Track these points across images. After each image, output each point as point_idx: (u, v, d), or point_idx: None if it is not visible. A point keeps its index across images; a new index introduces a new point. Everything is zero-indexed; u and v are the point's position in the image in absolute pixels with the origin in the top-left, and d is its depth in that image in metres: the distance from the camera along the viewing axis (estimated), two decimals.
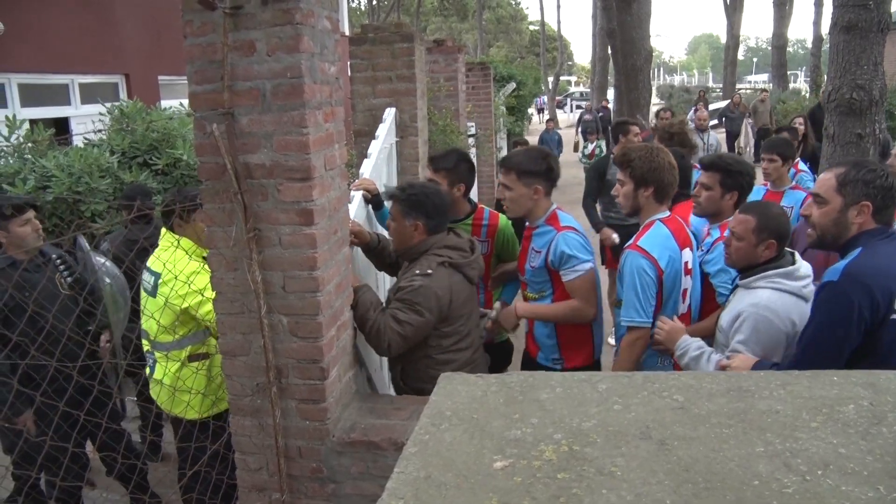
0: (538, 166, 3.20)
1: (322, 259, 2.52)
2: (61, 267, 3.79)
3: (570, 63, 64.30)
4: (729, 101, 20.30)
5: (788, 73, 27.32)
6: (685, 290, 3.11)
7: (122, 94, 10.51)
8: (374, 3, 40.63)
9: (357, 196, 3.54)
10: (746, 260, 2.77)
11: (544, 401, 1.46)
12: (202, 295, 3.17)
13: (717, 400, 1.45)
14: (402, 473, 1.21)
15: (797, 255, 2.78)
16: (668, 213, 3.11)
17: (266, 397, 2.61)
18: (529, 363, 3.45)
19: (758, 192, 4.20)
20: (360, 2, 42.63)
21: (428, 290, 2.90)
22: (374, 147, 4.31)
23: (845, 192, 2.40)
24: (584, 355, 3.30)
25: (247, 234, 2.45)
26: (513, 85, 14.65)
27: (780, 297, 2.65)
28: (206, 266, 3.21)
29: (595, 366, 3.35)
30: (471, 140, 8.75)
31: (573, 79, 63.47)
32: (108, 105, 6.40)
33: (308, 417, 2.65)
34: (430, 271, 2.93)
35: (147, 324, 3.35)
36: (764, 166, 4.64)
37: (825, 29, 22.78)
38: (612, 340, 5.18)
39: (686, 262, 3.06)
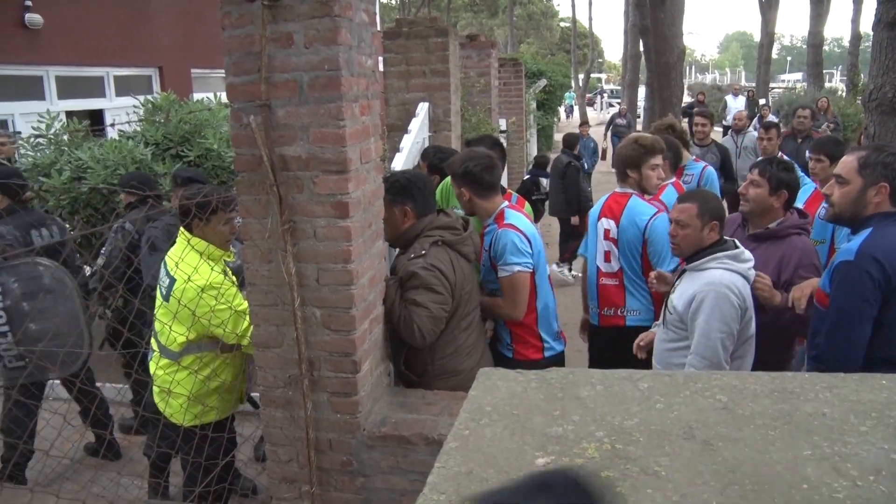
0: (458, 169, 3.29)
1: (356, 252, 2.52)
2: None
3: (600, 60, 63.73)
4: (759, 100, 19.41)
5: (824, 72, 26.79)
6: (608, 252, 3.61)
7: (156, 87, 10.67)
8: None
9: None
10: (694, 245, 2.95)
11: (585, 398, 1.43)
12: (222, 321, 3.08)
13: (761, 401, 1.42)
14: (442, 468, 1.19)
15: (737, 241, 2.97)
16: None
17: (298, 389, 2.62)
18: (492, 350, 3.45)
19: (807, 190, 4.27)
20: None
21: (428, 267, 2.89)
22: (407, 141, 4.31)
23: (865, 173, 2.54)
24: (531, 349, 3.37)
25: (282, 226, 2.45)
26: (543, 81, 14.60)
27: (732, 276, 2.83)
28: (227, 279, 3.17)
29: (545, 362, 3.29)
30: (502, 136, 8.75)
31: (604, 76, 62.96)
32: (142, 98, 6.47)
33: (339, 410, 2.65)
34: (423, 251, 2.93)
35: (158, 326, 3.24)
36: (811, 166, 4.67)
37: (864, 26, 22.39)
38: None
39: (608, 230, 3.60)
